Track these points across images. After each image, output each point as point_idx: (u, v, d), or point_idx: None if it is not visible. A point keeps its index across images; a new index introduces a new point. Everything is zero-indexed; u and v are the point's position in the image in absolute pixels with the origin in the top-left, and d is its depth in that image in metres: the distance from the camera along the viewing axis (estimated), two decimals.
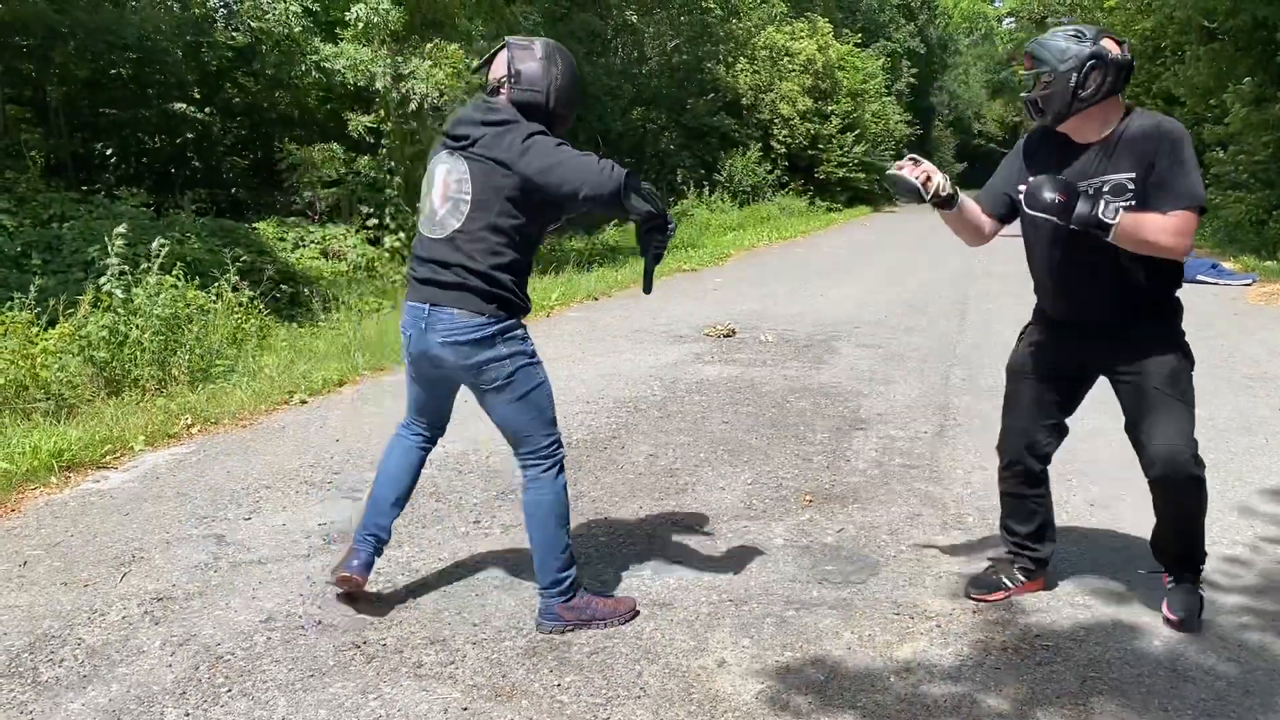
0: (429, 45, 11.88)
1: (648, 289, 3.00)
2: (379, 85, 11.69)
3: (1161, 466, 2.73)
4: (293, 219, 11.57)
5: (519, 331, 2.82)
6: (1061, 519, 3.41)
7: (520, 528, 3.32)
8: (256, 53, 12.58)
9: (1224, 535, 3.51)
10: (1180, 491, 2.76)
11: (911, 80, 41.06)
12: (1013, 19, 38.09)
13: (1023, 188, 2.70)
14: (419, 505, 3.84)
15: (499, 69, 2.87)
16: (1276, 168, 13.81)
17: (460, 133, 2.81)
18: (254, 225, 10.66)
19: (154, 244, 6.46)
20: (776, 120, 26.40)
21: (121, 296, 6.05)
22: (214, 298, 7.03)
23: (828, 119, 27.92)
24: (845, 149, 28.46)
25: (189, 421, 5.19)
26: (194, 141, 12.84)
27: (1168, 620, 2.87)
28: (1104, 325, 2.81)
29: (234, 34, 13.15)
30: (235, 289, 7.26)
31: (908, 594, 3.14)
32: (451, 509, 3.94)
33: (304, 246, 10.85)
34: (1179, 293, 2.85)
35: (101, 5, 11.44)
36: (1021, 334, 3.08)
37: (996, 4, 56.28)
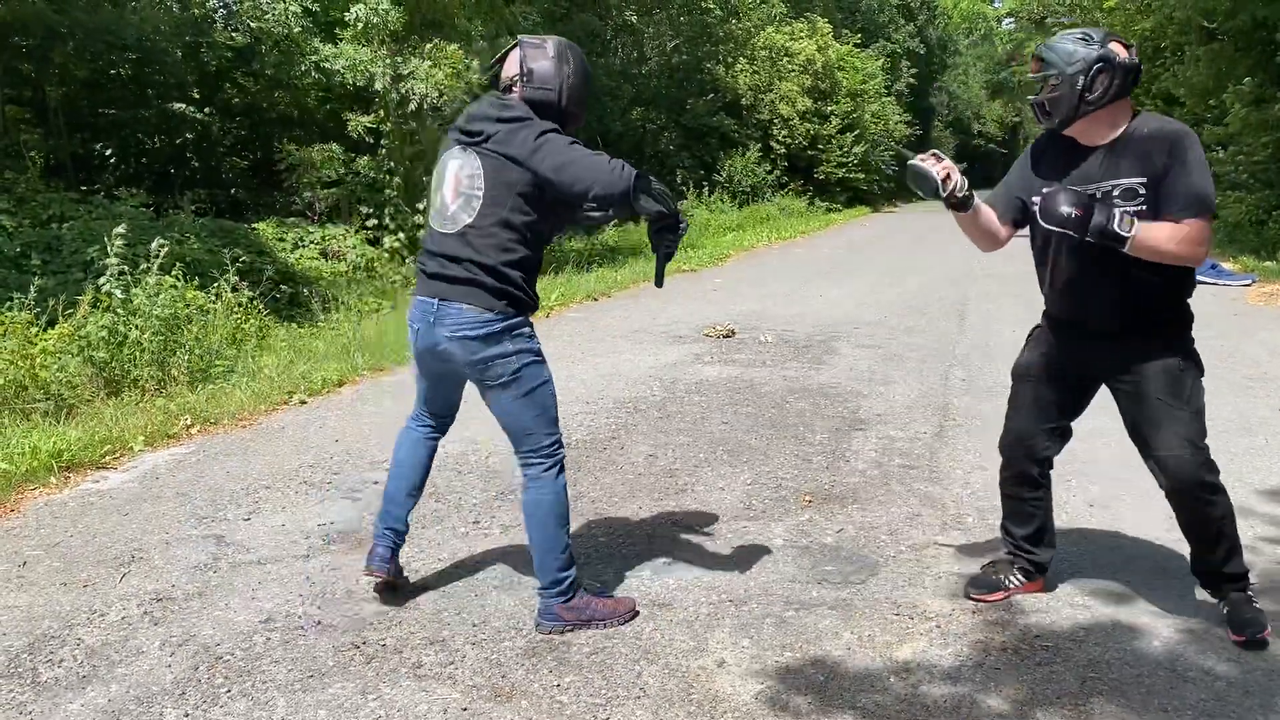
0: (428, 45, 11.87)
1: (659, 283, 3.01)
2: (378, 85, 11.68)
3: (1168, 477, 2.71)
4: (292, 219, 11.56)
5: (526, 329, 2.83)
6: (1061, 519, 3.41)
7: (519, 528, 3.32)
8: (256, 53, 12.57)
9: None
10: (1192, 499, 2.72)
11: (911, 81, 41.11)
12: (1012, 19, 38.11)
13: (1036, 200, 2.69)
14: (418, 506, 3.83)
15: (511, 67, 2.88)
16: (1276, 168, 13.81)
17: (474, 128, 2.82)
18: (253, 226, 10.65)
19: (153, 244, 6.46)
20: (776, 120, 26.41)
21: (121, 297, 6.05)
22: (213, 298, 7.03)
23: (827, 119, 27.93)
24: (845, 149, 28.48)
25: (188, 422, 5.19)
26: (193, 142, 12.83)
27: (1236, 643, 2.75)
28: (1107, 330, 2.77)
29: (233, 34, 13.14)
30: (235, 289, 7.26)
31: (907, 594, 3.14)
32: (451, 509, 3.94)
33: (303, 247, 10.84)
34: (1190, 300, 2.79)
35: (101, 5, 11.44)
36: (1030, 335, 3.07)
37: (996, 4, 56.37)
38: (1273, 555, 3.39)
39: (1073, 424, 3.03)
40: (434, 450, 3.16)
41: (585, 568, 3.27)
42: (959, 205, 2.78)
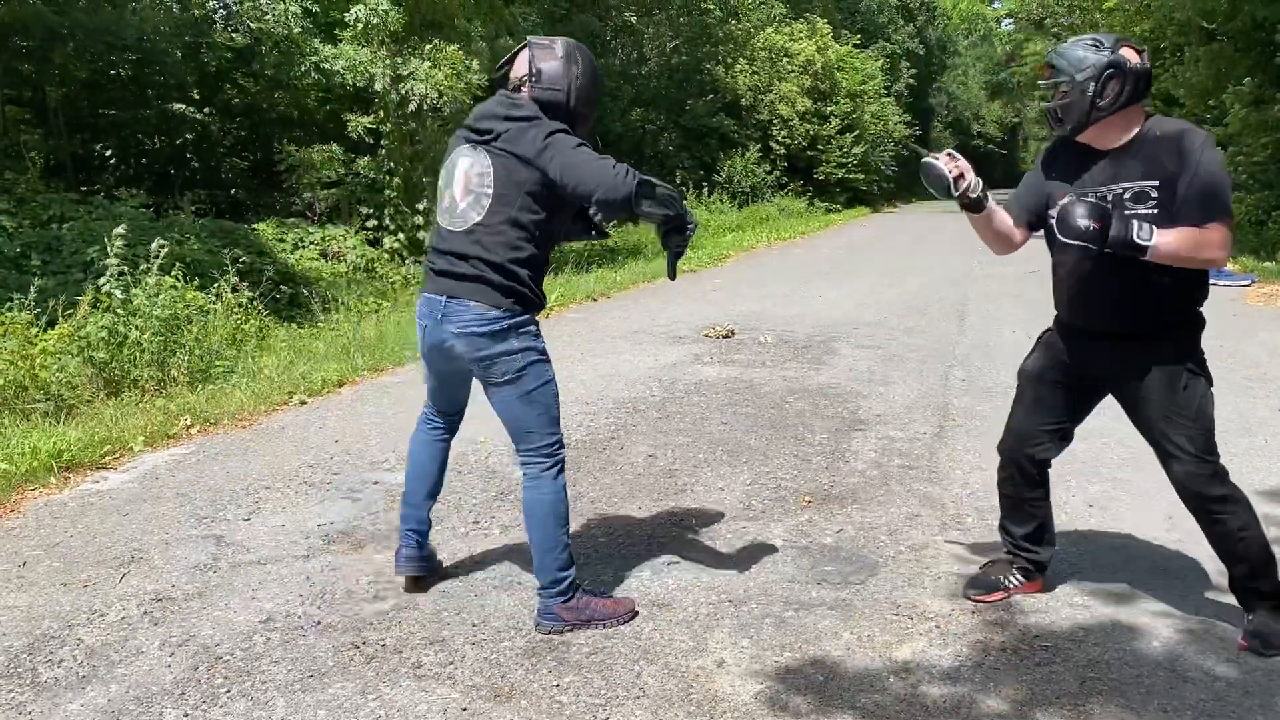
0: (428, 46, 11.88)
1: (672, 276, 3.02)
2: (378, 86, 11.69)
3: (1176, 488, 2.72)
4: (292, 220, 11.57)
5: (532, 328, 2.85)
6: (1061, 519, 3.41)
7: (519, 528, 3.32)
8: (256, 54, 12.58)
9: None
10: (1200, 512, 2.72)
11: (910, 81, 41.16)
12: (1011, 20, 38.14)
13: (1054, 212, 2.68)
14: None
15: (520, 67, 2.89)
16: (1276, 168, 13.83)
17: (483, 127, 2.83)
18: (253, 226, 10.67)
19: (153, 245, 6.47)
20: (775, 121, 26.43)
21: (121, 297, 6.05)
22: (213, 298, 7.04)
23: (827, 120, 27.96)
24: (844, 150, 28.50)
25: (188, 422, 5.20)
26: (193, 142, 12.84)
27: (1241, 647, 2.73)
28: (1113, 329, 2.74)
29: (233, 35, 13.14)
30: (235, 290, 7.27)
31: (907, 595, 3.14)
32: (451, 509, 3.94)
33: (303, 247, 10.85)
34: (1202, 306, 2.75)
35: (101, 6, 11.46)
36: (1039, 338, 3.05)
37: (995, 5, 56.45)
38: None
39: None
40: (447, 448, 3.19)
41: (585, 568, 3.27)
42: (972, 206, 2.78)
